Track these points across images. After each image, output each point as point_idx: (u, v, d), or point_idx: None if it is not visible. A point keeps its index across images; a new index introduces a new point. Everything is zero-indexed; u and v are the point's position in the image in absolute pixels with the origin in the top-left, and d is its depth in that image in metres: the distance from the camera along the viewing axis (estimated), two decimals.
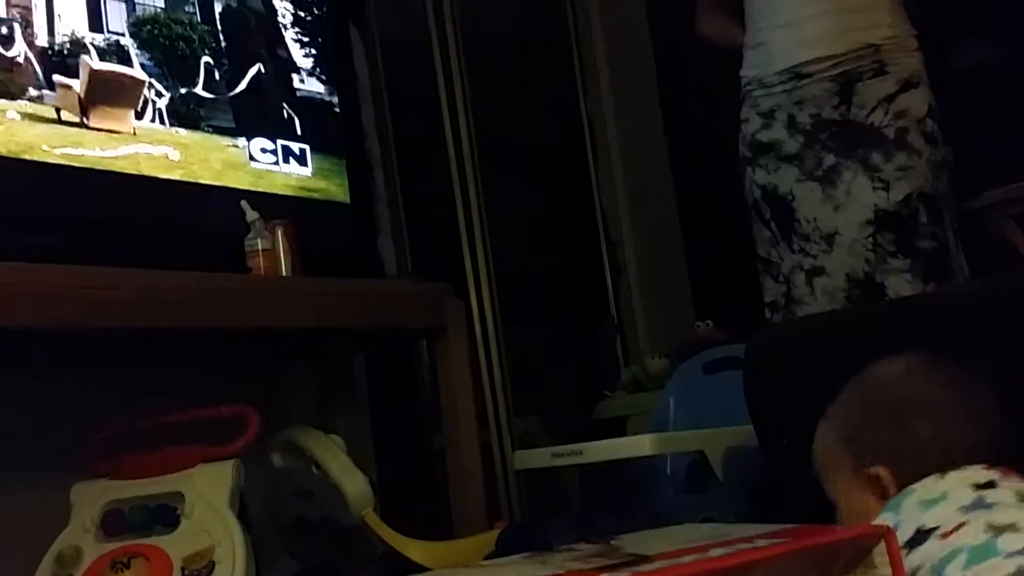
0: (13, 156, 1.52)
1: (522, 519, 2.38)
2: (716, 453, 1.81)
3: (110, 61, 1.71)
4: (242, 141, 1.87)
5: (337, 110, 2.08)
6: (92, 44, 1.68)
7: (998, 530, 0.91)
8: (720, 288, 3.01)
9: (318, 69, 2.04)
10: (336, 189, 2.02)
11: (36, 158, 1.56)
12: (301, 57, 2.02)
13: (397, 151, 2.42)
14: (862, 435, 1.07)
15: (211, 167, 1.81)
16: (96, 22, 1.70)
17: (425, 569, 1.56)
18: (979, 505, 0.95)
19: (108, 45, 1.71)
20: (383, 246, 2.29)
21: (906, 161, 1.87)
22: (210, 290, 1.53)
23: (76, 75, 1.65)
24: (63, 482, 1.46)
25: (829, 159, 1.91)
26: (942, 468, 1.00)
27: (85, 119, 1.65)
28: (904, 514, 0.98)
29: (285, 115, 1.96)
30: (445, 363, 1.91)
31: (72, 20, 1.66)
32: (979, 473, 0.99)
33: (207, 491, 1.41)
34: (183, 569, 1.32)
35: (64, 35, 1.64)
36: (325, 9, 2.09)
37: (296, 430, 1.72)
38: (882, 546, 0.66)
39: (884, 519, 0.99)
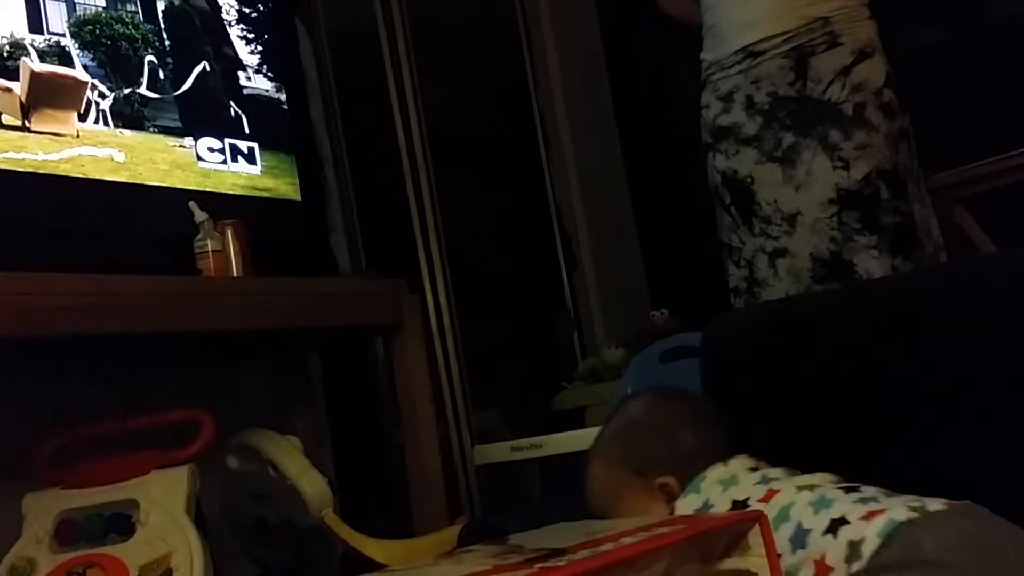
0: None
1: (483, 514, 2.38)
2: None
3: (51, 63, 1.67)
4: (189, 141, 1.85)
5: (285, 107, 2.06)
6: (32, 46, 1.65)
7: (808, 488, 1.11)
8: (675, 277, 3.02)
9: (265, 66, 2.02)
10: (287, 187, 2.01)
11: None
12: (247, 54, 2.00)
13: (348, 147, 2.40)
14: (643, 456, 1.25)
15: (157, 168, 1.78)
16: (36, 23, 1.66)
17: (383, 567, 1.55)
18: (766, 480, 1.16)
19: (49, 46, 1.67)
20: (336, 243, 2.27)
21: (864, 139, 1.87)
22: (159, 293, 1.51)
23: (16, 78, 1.62)
24: (14, 493, 1.43)
25: (788, 138, 1.91)
26: (710, 464, 1.21)
27: (27, 122, 1.61)
28: (708, 493, 1.18)
29: (232, 113, 1.94)
30: (402, 359, 1.90)
31: (11, 22, 1.62)
32: (746, 460, 1.21)
33: (162, 498, 1.39)
34: None
35: (3, 37, 1.61)
36: (270, 5, 2.07)
37: (252, 432, 1.70)
38: (756, 529, 0.71)
39: (689, 501, 1.18)
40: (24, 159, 1.59)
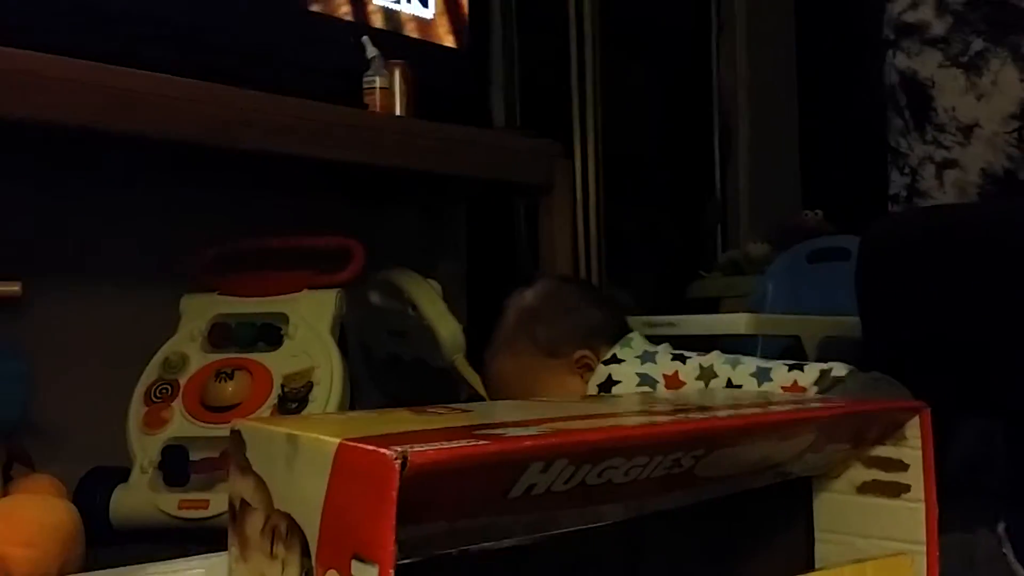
0: None
1: None
2: (812, 340, 1.79)
3: None
4: None
5: None
6: None
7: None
8: (833, 178, 2.94)
9: None
10: (454, 35, 2.00)
11: None
12: None
13: (517, 4, 2.37)
14: (554, 336, 1.30)
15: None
16: None
17: None
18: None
19: None
20: (494, 96, 2.27)
21: None
22: (327, 121, 1.53)
23: None
24: (173, 293, 1.51)
25: (977, 44, 1.82)
26: (615, 337, 1.27)
27: None
28: (638, 348, 1.24)
29: None
30: (548, 221, 1.90)
31: None
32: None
33: (310, 315, 1.44)
34: (283, 386, 1.36)
35: None
36: None
37: (396, 271, 1.74)
38: (915, 420, 0.69)
39: (622, 352, 1.23)
40: None
